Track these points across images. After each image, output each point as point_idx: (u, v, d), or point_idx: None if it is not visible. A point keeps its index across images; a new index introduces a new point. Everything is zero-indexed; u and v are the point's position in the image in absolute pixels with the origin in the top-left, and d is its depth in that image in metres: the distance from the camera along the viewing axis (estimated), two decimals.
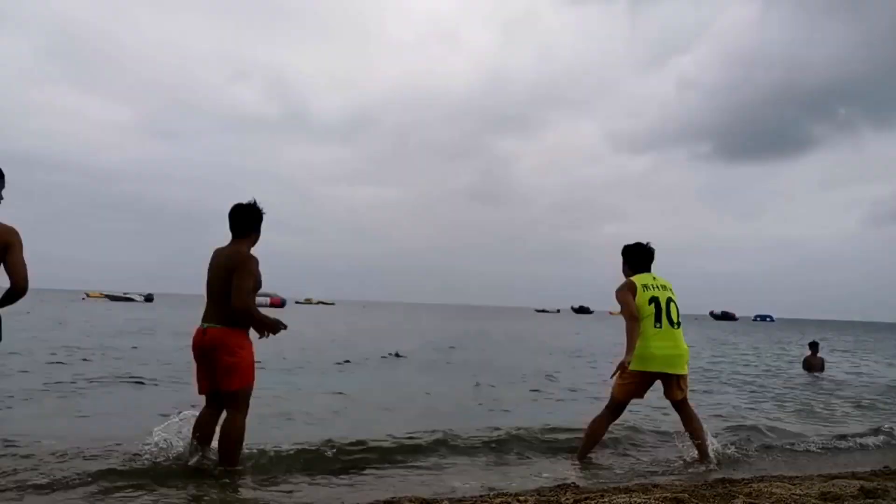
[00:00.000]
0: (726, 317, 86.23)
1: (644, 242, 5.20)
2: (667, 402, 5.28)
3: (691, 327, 47.61)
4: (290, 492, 4.33)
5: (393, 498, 3.94)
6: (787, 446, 6.33)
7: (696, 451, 5.24)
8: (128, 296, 63.26)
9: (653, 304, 4.84)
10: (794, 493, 3.89)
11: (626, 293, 4.88)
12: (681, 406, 5.13)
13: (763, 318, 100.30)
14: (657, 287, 4.92)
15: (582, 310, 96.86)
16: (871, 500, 3.81)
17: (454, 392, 9.93)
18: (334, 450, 5.24)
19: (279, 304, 55.41)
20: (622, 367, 4.89)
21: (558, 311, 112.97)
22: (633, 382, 4.96)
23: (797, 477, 4.67)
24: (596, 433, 5.24)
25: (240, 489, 4.28)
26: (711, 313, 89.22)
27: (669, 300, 4.92)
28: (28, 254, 3.81)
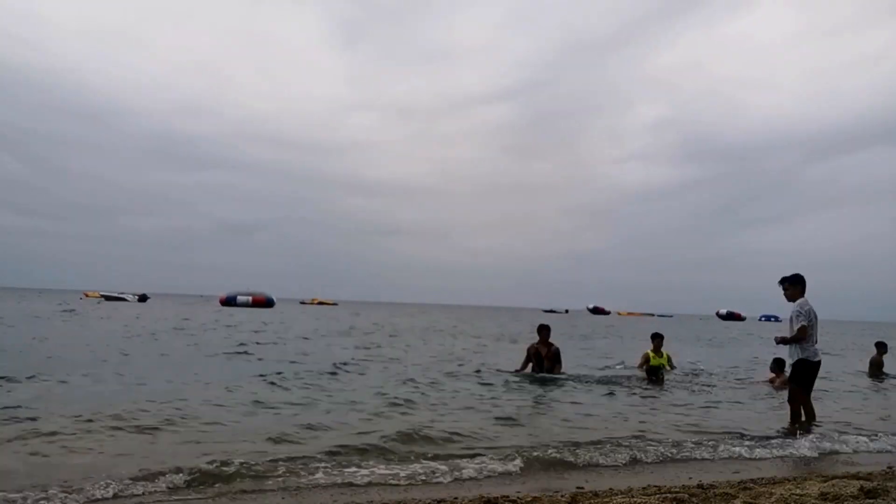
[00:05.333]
0: (732, 317, 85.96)
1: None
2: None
3: None
4: None
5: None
6: None
7: None
8: (121, 295, 63.72)
9: None
10: (794, 493, 3.91)
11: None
12: None
13: (769, 317, 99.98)
14: None
15: (597, 310, 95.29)
16: (871, 500, 3.82)
17: None
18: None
19: (263, 302, 54.55)
20: None
21: (567, 311, 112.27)
22: None
23: (797, 477, 4.69)
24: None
25: None
26: (717, 313, 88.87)
27: None
28: None
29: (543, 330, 10.57)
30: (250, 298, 53.43)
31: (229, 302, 53.23)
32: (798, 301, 6.99)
